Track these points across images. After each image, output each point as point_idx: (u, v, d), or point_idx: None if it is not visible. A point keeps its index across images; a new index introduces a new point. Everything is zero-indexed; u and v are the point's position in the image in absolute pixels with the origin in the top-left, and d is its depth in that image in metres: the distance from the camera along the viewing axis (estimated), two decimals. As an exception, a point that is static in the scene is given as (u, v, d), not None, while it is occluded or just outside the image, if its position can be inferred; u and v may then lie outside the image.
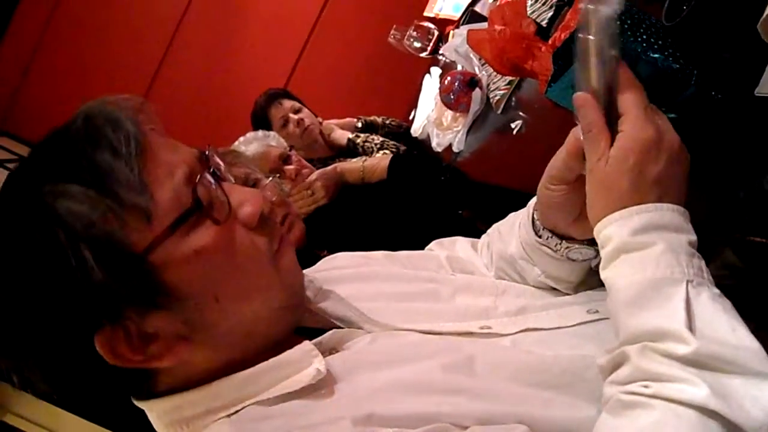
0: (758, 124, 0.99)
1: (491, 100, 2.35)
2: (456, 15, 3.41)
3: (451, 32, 3.08)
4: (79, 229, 0.78)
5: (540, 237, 1.08)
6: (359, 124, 3.63)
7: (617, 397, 0.77)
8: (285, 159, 2.64)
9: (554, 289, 1.14)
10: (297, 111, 3.30)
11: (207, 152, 0.93)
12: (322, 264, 1.25)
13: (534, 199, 1.10)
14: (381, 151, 3.16)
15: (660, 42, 1.07)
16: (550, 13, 2.01)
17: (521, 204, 1.18)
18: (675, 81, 1.05)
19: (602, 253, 0.86)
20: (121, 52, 5.16)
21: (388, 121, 3.69)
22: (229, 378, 0.88)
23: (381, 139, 3.30)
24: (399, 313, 1.03)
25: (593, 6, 0.88)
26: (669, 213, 0.82)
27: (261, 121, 3.27)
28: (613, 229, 0.84)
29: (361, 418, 0.79)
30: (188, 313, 0.85)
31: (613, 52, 0.88)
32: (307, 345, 0.89)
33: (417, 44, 3.23)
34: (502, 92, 2.27)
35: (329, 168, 2.57)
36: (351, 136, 3.31)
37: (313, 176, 2.53)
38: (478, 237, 1.34)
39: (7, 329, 0.84)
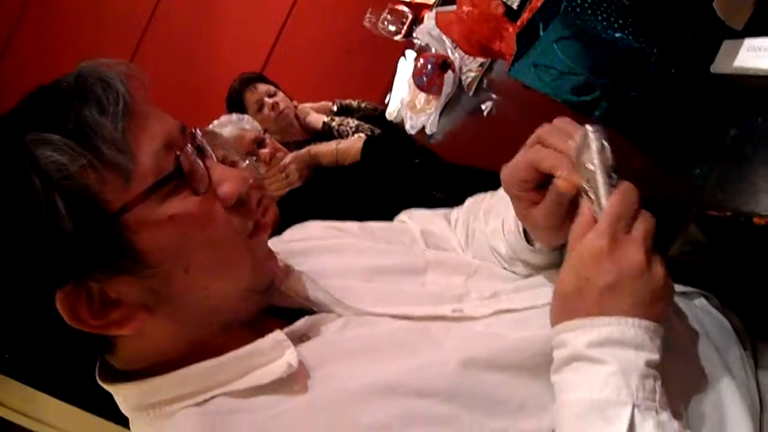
0: (713, 101, 1.00)
1: (463, 83, 2.36)
2: (431, -1, 3.41)
3: (426, 15, 3.08)
4: (55, 177, 0.77)
5: (532, 245, 1.08)
6: (335, 108, 3.64)
7: None
8: (259, 142, 2.64)
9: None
10: (272, 95, 3.30)
11: (194, 130, 0.93)
12: (293, 233, 1.24)
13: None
14: (356, 135, 3.16)
15: (620, 21, 1.08)
16: (521, -4, 2.02)
17: (494, 184, 1.19)
18: (635, 59, 1.06)
19: (555, 354, 0.86)
20: (98, 31, 5.12)
21: (363, 105, 3.70)
22: (198, 365, 0.87)
23: (356, 122, 3.30)
24: (371, 295, 1.02)
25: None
26: (632, 329, 0.81)
27: (236, 104, 3.27)
28: (569, 336, 0.84)
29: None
30: (155, 281, 0.84)
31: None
32: (279, 335, 0.89)
33: (391, 27, 3.23)
34: (473, 74, 2.28)
35: (303, 151, 2.57)
36: (326, 119, 3.31)
37: (287, 159, 2.53)
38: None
39: None
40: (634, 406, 0.76)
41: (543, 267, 1.10)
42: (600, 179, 0.86)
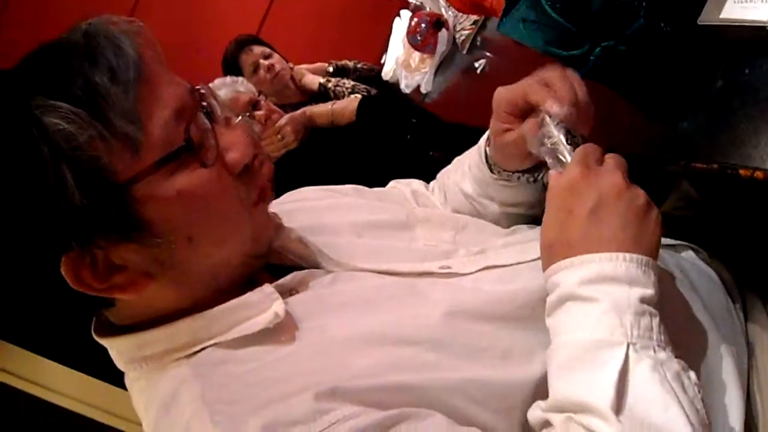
0: (701, 54, 1.00)
1: (457, 41, 2.35)
2: (426, -45, 3.38)
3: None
4: (64, 147, 0.76)
5: (494, 173, 1.10)
6: (330, 69, 3.62)
7: None
8: (254, 105, 2.63)
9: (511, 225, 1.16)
10: (267, 57, 3.28)
11: (203, 90, 0.91)
12: (288, 195, 1.24)
13: (483, 138, 1.11)
14: (352, 95, 3.15)
15: None
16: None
17: None
18: (624, 13, 1.05)
19: (548, 299, 0.85)
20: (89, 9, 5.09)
21: (359, 65, 3.68)
22: (189, 318, 0.87)
23: (352, 83, 3.28)
24: (360, 251, 1.03)
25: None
26: (623, 264, 0.79)
27: (231, 67, 3.24)
28: (560, 276, 0.83)
29: (325, 393, 0.77)
30: (159, 250, 0.83)
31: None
32: (267, 288, 0.89)
33: (386, -14, 3.22)
34: (467, 32, 2.27)
35: (298, 112, 2.57)
36: (322, 80, 3.29)
37: (283, 120, 2.53)
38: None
39: None
40: (628, 345, 0.75)
41: (509, 203, 1.14)
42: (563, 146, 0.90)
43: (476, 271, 1.00)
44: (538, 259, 0.94)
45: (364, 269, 0.99)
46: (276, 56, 3.33)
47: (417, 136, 2.35)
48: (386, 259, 1.01)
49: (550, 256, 0.86)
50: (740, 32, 0.91)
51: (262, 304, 0.87)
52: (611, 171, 0.84)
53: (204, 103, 0.89)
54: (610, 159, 0.86)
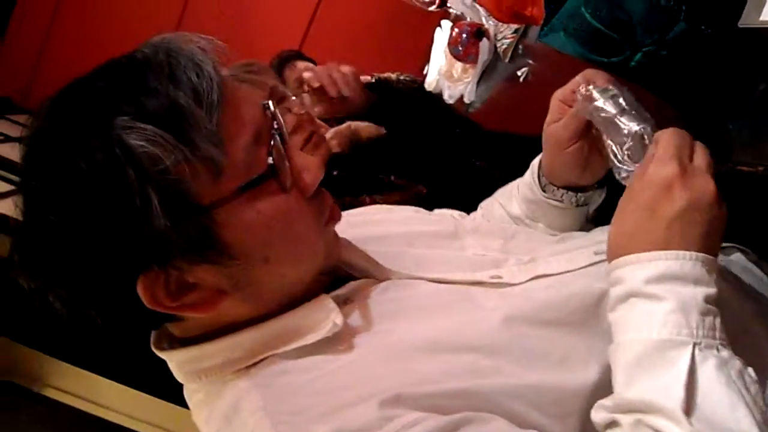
0: (743, 56, 1.00)
1: (499, 50, 2.35)
2: (464, -35, 3.39)
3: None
4: (150, 170, 0.78)
5: (546, 192, 1.12)
6: (373, 81, 3.63)
7: None
8: (298, 117, 2.65)
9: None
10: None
11: (273, 108, 0.92)
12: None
13: (536, 160, 1.13)
14: (396, 108, 3.16)
15: None
16: (552, -42, 2.01)
17: (535, 149, 1.22)
18: (665, 17, 1.06)
19: (612, 291, 0.85)
20: (135, 21, 5.16)
21: (402, 77, 3.68)
22: (248, 330, 0.89)
23: (395, 95, 3.30)
24: (411, 260, 1.05)
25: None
26: (690, 263, 0.80)
27: (275, 81, 3.27)
28: (626, 271, 0.83)
29: (389, 400, 0.78)
30: (235, 270, 0.86)
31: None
32: (324, 298, 0.92)
33: (426, -3, 3.22)
34: (509, 41, 2.27)
35: (343, 126, 2.58)
36: (366, 94, 3.31)
37: (329, 134, 2.54)
38: (496, 187, 1.37)
39: (57, 248, 0.82)
40: (694, 345, 0.75)
41: (555, 227, 1.16)
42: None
43: (527, 281, 1.01)
44: (588, 266, 0.99)
45: (417, 277, 1.01)
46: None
47: (461, 146, 2.36)
48: (438, 268, 1.03)
49: (617, 248, 0.86)
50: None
51: (320, 315, 0.90)
52: (705, 175, 0.83)
53: (275, 123, 0.90)
54: (701, 156, 0.85)
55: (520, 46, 2.22)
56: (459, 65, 2.63)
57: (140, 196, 0.77)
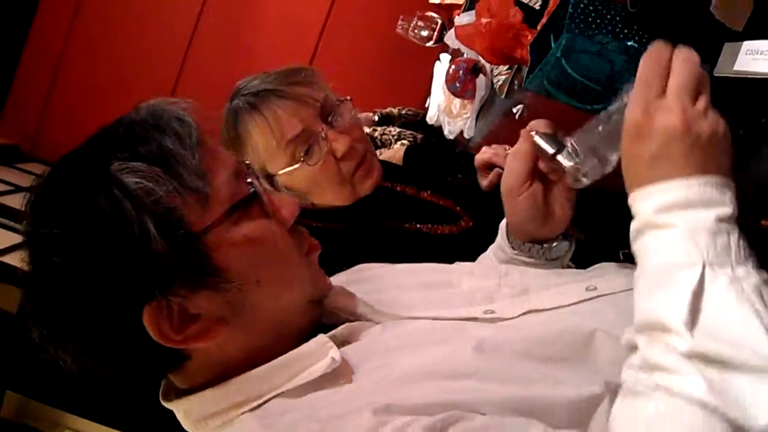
0: (721, 103, 1.02)
1: (495, 86, 2.38)
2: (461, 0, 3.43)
3: (456, 18, 3.10)
4: (145, 201, 0.85)
5: (515, 249, 1.19)
6: (376, 118, 3.66)
7: (626, 384, 0.78)
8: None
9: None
10: None
11: (247, 161, 1.04)
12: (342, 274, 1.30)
13: (503, 222, 1.22)
14: (398, 142, 3.18)
15: (626, 30, 1.10)
16: (543, -4, 2.04)
17: None
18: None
19: (631, 227, 0.87)
20: (138, 67, 5.23)
21: (404, 112, 3.72)
22: (251, 372, 0.92)
23: (398, 130, 3.32)
24: (406, 302, 1.08)
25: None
26: (697, 187, 0.81)
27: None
28: (638, 205, 0.85)
29: (381, 408, 0.81)
30: (232, 295, 0.91)
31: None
32: (322, 338, 0.95)
33: (423, 33, 3.27)
34: (504, 77, 2.30)
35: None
36: (368, 130, 3.33)
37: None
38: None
39: (64, 288, 0.86)
40: (704, 265, 0.76)
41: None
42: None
43: (519, 316, 1.03)
44: (579, 302, 1.02)
45: (412, 317, 1.04)
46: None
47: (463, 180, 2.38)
48: (432, 308, 1.06)
49: (630, 183, 0.88)
50: (755, 83, 0.93)
51: (319, 352, 0.93)
52: (667, 110, 0.84)
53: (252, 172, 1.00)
54: (672, 85, 0.85)
55: (516, 82, 2.25)
56: (457, 101, 2.66)
57: (138, 225, 0.84)
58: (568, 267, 1.23)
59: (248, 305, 0.93)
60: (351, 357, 0.94)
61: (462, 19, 2.44)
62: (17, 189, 4.61)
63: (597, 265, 1.17)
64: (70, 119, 5.07)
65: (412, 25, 3.27)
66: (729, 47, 0.96)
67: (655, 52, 0.87)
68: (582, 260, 1.22)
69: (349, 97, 1.81)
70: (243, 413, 0.91)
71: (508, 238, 1.21)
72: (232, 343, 0.93)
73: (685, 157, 0.82)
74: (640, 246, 0.84)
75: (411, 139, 3.21)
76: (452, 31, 2.94)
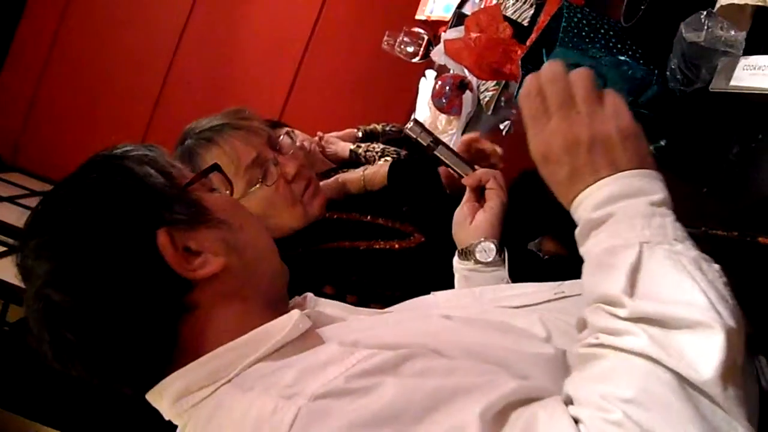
0: (717, 119, 1.01)
1: (482, 102, 2.38)
2: (447, 16, 3.43)
3: (442, 35, 3.11)
4: (144, 160, 1.02)
5: (459, 258, 1.37)
6: (360, 134, 3.65)
7: (577, 353, 0.83)
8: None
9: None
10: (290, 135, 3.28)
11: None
12: None
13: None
14: (382, 159, 3.18)
15: (619, 45, 1.09)
16: (531, 11, 2.04)
17: (519, 200, 1.29)
18: (638, 81, 1.07)
19: (576, 234, 0.91)
20: (121, 80, 5.22)
21: (388, 128, 3.71)
22: (227, 344, 0.95)
23: (382, 146, 3.31)
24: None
25: None
26: (621, 181, 0.86)
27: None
28: (578, 212, 0.89)
29: (348, 342, 0.88)
30: (223, 232, 1.02)
31: None
32: (295, 311, 0.98)
33: (409, 49, 3.26)
34: (491, 93, 2.30)
35: (331, 180, 2.59)
36: (353, 147, 3.32)
37: (317, 188, 2.56)
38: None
39: (84, 232, 0.95)
40: (641, 244, 0.80)
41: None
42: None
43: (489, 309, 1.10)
44: (546, 302, 1.10)
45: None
46: (300, 135, 3.33)
47: (448, 196, 2.37)
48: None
49: (565, 201, 0.93)
50: (753, 98, 0.92)
51: (291, 319, 0.96)
52: (556, 132, 0.90)
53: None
54: (551, 108, 0.92)
55: (502, 98, 2.25)
56: (443, 117, 2.66)
57: (141, 171, 1.00)
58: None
59: (239, 243, 1.03)
60: (324, 331, 0.99)
61: (450, 34, 2.43)
62: (-1, 199, 4.59)
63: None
64: (52, 129, 5.07)
65: (398, 40, 3.27)
66: (724, 62, 0.95)
67: (524, 90, 0.94)
68: (564, 277, 1.23)
69: (290, 128, 2.13)
70: (221, 386, 0.93)
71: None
72: (230, 281, 1.00)
73: (591, 162, 0.87)
74: (585, 247, 0.89)
75: (395, 156, 3.20)
76: (439, 47, 2.95)
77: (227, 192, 1.12)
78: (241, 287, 1.01)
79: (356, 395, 0.77)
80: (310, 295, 1.16)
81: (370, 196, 2.54)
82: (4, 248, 3.82)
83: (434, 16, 3.75)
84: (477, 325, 0.99)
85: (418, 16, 3.91)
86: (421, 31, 3.26)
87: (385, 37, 3.37)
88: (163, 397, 0.98)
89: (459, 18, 2.99)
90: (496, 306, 1.10)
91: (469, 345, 0.89)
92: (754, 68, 0.91)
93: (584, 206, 0.88)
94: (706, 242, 1.09)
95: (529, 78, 0.94)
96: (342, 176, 2.61)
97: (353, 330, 1.00)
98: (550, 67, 0.92)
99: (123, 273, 0.95)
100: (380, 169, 2.55)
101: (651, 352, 0.73)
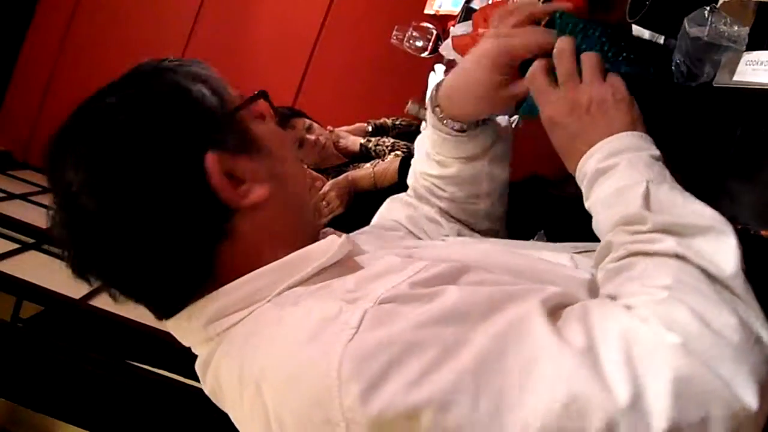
0: (720, 113, 1.02)
1: (490, 96, 2.37)
2: (456, 10, 3.43)
3: (451, 29, 3.10)
4: (197, 78, 1.00)
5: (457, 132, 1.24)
6: (370, 128, 3.67)
7: (605, 272, 0.91)
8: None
9: None
10: (309, 129, 3.29)
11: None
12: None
13: (431, 115, 1.27)
14: (392, 153, 3.19)
15: (614, 48, 1.10)
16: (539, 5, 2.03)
17: (526, 196, 1.27)
18: (636, 81, 1.08)
19: (584, 190, 1.01)
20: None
21: (397, 122, 3.73)
22: (267, 266, 0.94)
23: (392, 140, 3.33)
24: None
25: None
26: (627, 138, 0.96)
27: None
28: (585, 165, 0.99)
29: (404, 254, 0.97)
30: (267, 162, 1.00)
31: None
32: (333, 236, 0.99)
33: (418, 44, 3.26)
34: (499, 88, 2.29)
35: (341, 177, 2.61)
36: (363, 141, 3.34)
37: (326, 187, 2.57)
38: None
39: (134, 143, 0.94)
40: (647, 181, 0.90)
41: (471, 155, 1.28)
42: None
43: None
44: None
45: None
46: (316, 127, 3.32)
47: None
48: None
49: (572, 161, 1.03)
50: (756, 94, 0.93)
51: (333, 243, 0.97)
52: (561, 97, 1.03)
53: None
54: (560, 78, 1.04)
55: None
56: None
57: (195, 90, 0.98)
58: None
59: (280, 176, 1.01)
60: (362, 260, 0.99)
61: (458, 29, 2.44)
62: (10, 196, 4.60)
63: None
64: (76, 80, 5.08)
65: (406, 35, 3.27)
66: (728, 57, 0.96)
67: (537, 65, 1.07)
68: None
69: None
70: (260, 306, 0.92)
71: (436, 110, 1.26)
72: (273, 211, 0.99)
73: (591, 122, 0.99)
74: (595, 193, 0.98)
75: (404, 150, 3.22)
76: (447, 41, 2.94)
77: (272, 122, 1.09)
78: (282, 218, 1.01)
79: (422, 301, 0.80)
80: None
81: (381, 193, 2.55)
82: (18, 245, 3.83)
83: (443, 11, 3.74)
84: (511, 253, 1.06)
85: (426, 11, 3.90)
86: (430, 25, 3.26)
87: (394, 32, 3.38)
88: (192, 321, 0.96)
89: (467, 12, 2.98)
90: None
91: (511, 266, 0.97)
92: (757, 63, 0.92)
93: (588, 164, 0.98)
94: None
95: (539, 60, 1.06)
96: (351, 174, 2.64)
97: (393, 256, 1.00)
98: (561, 43, 1.04)
99: (165, 191, 0.93)
100: (390, 165, 2.57)
101: (679, 251, 0.82)
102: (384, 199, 2.49)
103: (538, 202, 1.34)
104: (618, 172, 0.93)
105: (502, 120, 1.32)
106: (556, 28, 1.09)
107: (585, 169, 0.99)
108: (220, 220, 0.95)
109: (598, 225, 0.96)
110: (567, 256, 1.06)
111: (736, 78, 0.94)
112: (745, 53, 0.94)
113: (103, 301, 3.23)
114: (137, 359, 3.31)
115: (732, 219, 0.94)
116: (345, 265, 0.95)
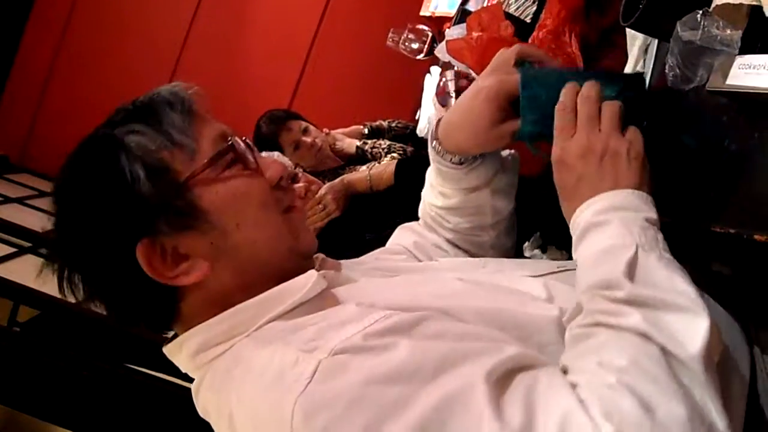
0: (713, 117, 1.02)
1: (486, 99, 2.36)
2: (452, 12, 3.43)
3: (446, 32, 3.10)
4: (137, 153, 0.99)
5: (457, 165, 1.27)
6: (366, 131, 3.67)
7: (570, 335, 0.91)
8: (293, 178, 2.67)
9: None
10: (305, 131, 3.29)
11: (245, 138, 1.12)
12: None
13: (433, 151, 1.30)
14: (388, 155, 3.19)
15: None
16: (534, 8, 2.04)
17: (524, 195, 1.31)
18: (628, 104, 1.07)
19: (574, 238, 1.01)
20: (127, 79, 5.22)
21: (394, 124, 3.73)
22: (244, 303, 1.00)
23: (388, 143, 3.32)
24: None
25: None
26: (624, 196, 0.97)
27: (266, 143, 3.24)
28: (580, 216, 0.99)
29: (366, 303, 0.95)
30: (215, 236, 1.01)
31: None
32: (312, 271, 1.03)
33: (414, 46, 3.26)
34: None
35: (337, 181, 2.60)
36: (359, 143, 3.33)
37: (323, 190, 2.57)
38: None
39: (69, 229, 1.03)
40: (637, 246, 0.90)
41: (474, 186, 1.29)
42: None
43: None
44: (548, 274, 1.15)
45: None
46: (312, 129, 3.32)
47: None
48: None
49: (570, 210, 1.03)
50: (748, 97, 0.93)
51: (309, 279, 1.02)
52: (576, 141, 1.03)
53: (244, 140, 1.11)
54: (579, 123, 1.04)
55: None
56: (448, 114, 2.65)
57: (130, 171, 0.98)
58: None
59: (230, 246, 1.02)
60: (339, 291, 1.04)
61: (452, 32, 2.43)
62: (6, 200, 4.60)
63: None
64: (59, 130, 5.04)
65: (402, 37, 3.27)
66: (721, 61, 0.96)
67: (560, 104, 1.07)
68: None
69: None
70: (238, 341, 0.98)
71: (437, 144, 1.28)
72: (220, 281, 1.03)
73: (599, 171, 1.00)
74: (583, 245, 0.98)
75: (401, 152, 3.22)
76: (443, 44, 2.93)
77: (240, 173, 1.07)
78: (239, 277, 1.04)
79: (373, 353, 0.83)
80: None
81: (377, 196, 2.55)
82: (14, 249, 3.83)
83: (438, 13, 3.75)
84: (486, 288, 1.06)
85: (422, 13, 3.92)
86: (426, 27, 3.26)
87: (390, 34, 3.38)
88: (182, 350, 1.04)
89: (463, 14, 2.97)
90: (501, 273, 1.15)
91: (479, 307, 0.97)
92: (749, 67, 0.92)
93: (585, 214, 0.99)
94: (704, 238, 1.11)
95: (568, 90, 1.07)
96: (347, 177, 2.63)
97: (369, 292, 1.04)
98: (588, 87, 1.05)
99: (111, 272, 1.01)
100: (386, 168, 2.56)
101: (642, 328, 0.82)
102: (380, 202, 2.50)
103: (534, 204, 1.33)
104: (609, 230, 0.94)
105: (504, 152, 1.34)
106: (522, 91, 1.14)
107: (579, 219, 1.00)
108: (166, 294, 1.02)
109: (579, 278, 0.96)
110: (541, 285, 1.07)
111: (729, 81, 0.94)
112: (738, 57, 0.94)
113: (100, 305, 3.23)
114: (134, 362, 3.30)
115: (724, 222, 0.95)
116: (323, 297, 1.01)
